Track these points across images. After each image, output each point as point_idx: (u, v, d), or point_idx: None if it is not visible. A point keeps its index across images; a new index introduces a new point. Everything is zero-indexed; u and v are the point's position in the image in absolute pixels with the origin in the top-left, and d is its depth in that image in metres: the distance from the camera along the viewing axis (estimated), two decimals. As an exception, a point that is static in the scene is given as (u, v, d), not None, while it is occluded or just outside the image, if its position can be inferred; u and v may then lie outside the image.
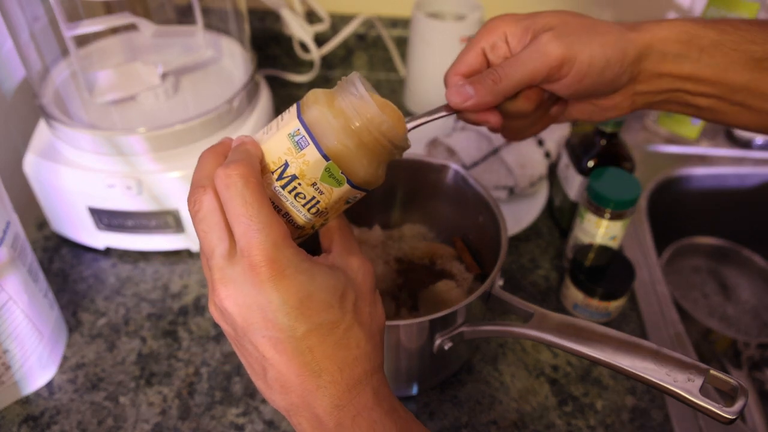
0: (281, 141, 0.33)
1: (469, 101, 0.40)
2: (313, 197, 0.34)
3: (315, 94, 0.34)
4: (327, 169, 0.33)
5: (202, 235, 0.33)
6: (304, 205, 0.34)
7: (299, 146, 0.32)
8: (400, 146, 0.35)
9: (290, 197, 0.34)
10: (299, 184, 0.33)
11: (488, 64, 0.43)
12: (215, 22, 0.71)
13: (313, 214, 0.35)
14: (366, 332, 0.33)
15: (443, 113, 0.41)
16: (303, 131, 0.32)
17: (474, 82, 0.40)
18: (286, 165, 0.33)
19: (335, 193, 0.34)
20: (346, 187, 0.34)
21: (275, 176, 0.33)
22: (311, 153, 0.32)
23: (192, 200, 0.33)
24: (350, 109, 0.33)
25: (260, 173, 0.33)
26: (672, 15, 0.89)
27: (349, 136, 0.33)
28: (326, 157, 0.32)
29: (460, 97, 0.40)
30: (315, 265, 0.32)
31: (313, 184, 0.33)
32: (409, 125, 0.38)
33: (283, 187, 0.33)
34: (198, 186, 0.33)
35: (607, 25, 0.42)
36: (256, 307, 0.31)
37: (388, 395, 0.34)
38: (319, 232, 0.38)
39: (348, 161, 0.33)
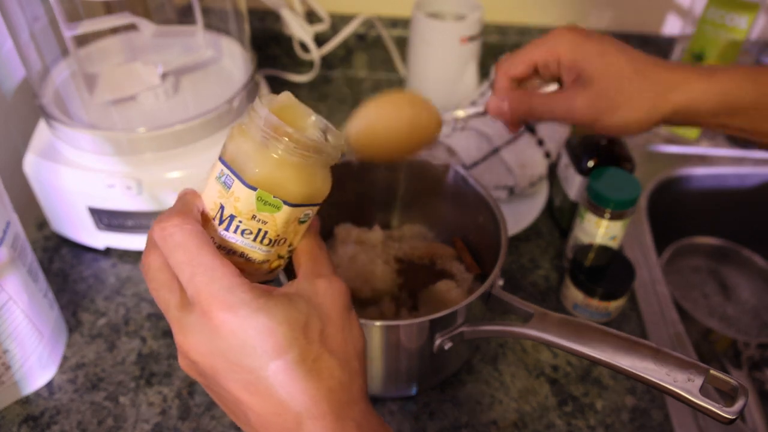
0: (212, 186, 0.33)
1: (502, 117, 0.50)
2: (260, 229, 0.33)
3: (230, 132, 0.34)
4: (259, 198, 0.32)
5: (154, 294, 0.32)
6: (254, 240, 0.34)
7: (227, 186, 0.33)
8: (326, 152, 0.34)
9: (238, 236, 0.34)
10: (240, 221, 0.33)
11: (536, 71, 0.49)
12: (215, 22, 0.71)
13: (268, 245, 0.34)
14: (338, 360, 0.32)
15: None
16: (226, 170, 0.33)
17: (512, 100, 0.48)
18: (222, 207, 0.33)
19: (278, 218, 0.33)
20: (285, 209, 0.33)
21: (217, 221, 0.34)
22: (238, 188, 0.32)
23: (141, 264, 0.33)
24: (258, 133, 0.32)
25: (198, 219, 0.33)
26: (672, 15, 0.89)
27: (265, 159, 0.32)
28: (252, 188, 0.32)
29: (497, 111, 0.49)
30: (270, 300, 0.31)
31: (254, 217, 0.33)
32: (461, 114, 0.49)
33: (227, 229, 0.33)
34: (146, 249, 0.33)
35: (648, 80, 0.45)
36: (218, 353, 0.30)
37: (375, 427, 0.32)
38: (292, 258, 0.38)
39: (275, 184, 0.32)
